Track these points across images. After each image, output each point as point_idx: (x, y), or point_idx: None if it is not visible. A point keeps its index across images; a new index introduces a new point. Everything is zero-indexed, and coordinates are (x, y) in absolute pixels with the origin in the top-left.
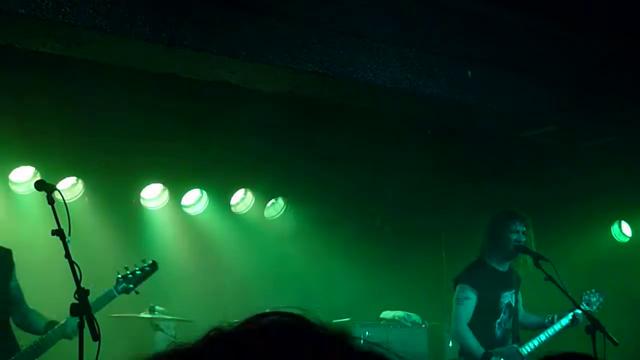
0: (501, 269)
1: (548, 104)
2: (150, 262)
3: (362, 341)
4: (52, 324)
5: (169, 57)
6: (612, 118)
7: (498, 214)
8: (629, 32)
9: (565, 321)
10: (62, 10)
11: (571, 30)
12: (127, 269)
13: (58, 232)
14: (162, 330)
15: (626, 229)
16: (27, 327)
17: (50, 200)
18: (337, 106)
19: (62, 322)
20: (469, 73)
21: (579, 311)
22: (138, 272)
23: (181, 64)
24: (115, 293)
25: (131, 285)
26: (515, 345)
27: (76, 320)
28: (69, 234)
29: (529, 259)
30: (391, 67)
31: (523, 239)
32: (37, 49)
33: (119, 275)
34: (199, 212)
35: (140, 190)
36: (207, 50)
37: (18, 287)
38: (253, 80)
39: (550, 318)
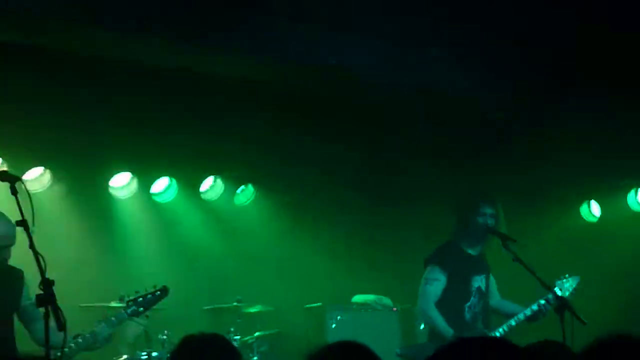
0: (472, 252)
1: (512, 88)
2: (162, 287)
3: (333, 325)
4: (75, 336)
5: (134, 44)
6: (580, 104)
7: (467, 197)
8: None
9: (535, 306)
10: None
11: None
12: (137, 292)
13: (22, 223)
14: (138, 322)
15: (595, 209)
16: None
17: (14, 191)
18: (304, 91)
19: (93, 330)
20: (433, 50)
21: (549, 296)
22: (149, 297)
23: (149, 52)
24: (125, 315)
25: (141, 309)
26: (485, 330)
27: (107, 329)
28: (33, 224)
29: (498, 241)
30: (362, 54)
31: (491, 221)
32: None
33: (129, 298)
34: (168, 200)
35: (109, 179)
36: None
37: (33, 304)
38: (223, 67)
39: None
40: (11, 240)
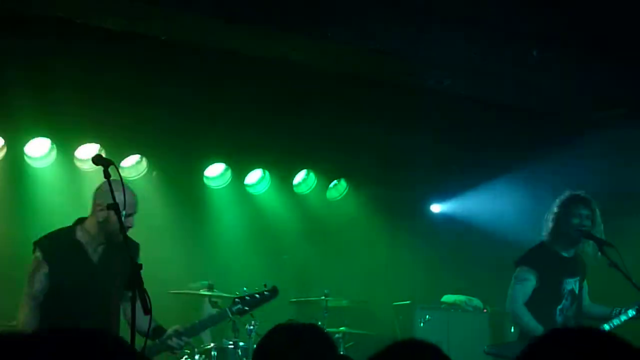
0: (565, 254)
1: (621, 83)
2: (271, 287)
3: (422, 324)
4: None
5: (229, 32)
6: None
7: (562, 197)
8: None
9: (631, 312)
10: None
11: None
12: (245, 290)
13: (113, 206)
14: (219, 307)
15: None
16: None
17: (107, 175)
18: (403, 87)
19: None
20: (534, 52)
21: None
22: (257, 296)
23: (245, 41)
24: (229, 314)
25: (247, 308)
26: None
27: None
28: (124, 208)
29: (593, 245)
30: (455, 46)
31: (587, 223)
32: (99, 24)
33: (237, 296)
34: (261, 192)
35: (204, 169)
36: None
37: None
38: (314, 58)
39: (617, 311)
40: (134, 208)
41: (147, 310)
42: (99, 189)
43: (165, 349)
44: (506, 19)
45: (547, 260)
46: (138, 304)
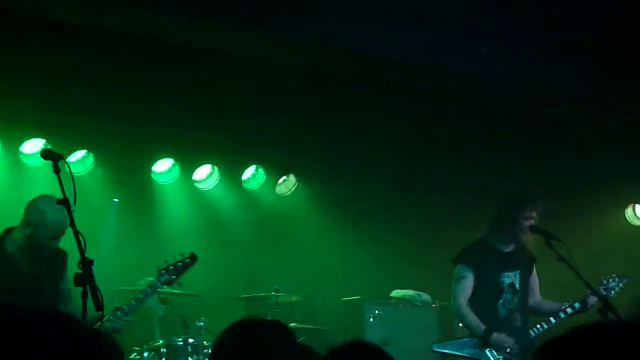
0: (504, 249)
1: (573, 79)
2: (190, 254)
3: (371, 319)
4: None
5: (188, 29)
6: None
7: (512, 198)
8: None
9: (576, 305)
10: None
11: None
12: (166, 261)
13: (63, 202)
14: (169, 304)
15: None
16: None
17: (56, 170)
18: (358, 83)
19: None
20: (483, 50)
21: (579, 302)
22: (179, 264)
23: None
24: (159, 284)
25: (173, 277)
26: (524, 327)
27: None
28: (74, 204)
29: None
30: (417, 43)
31: (533, 218)
32: (52, 18)
33: (160, 267)
34: (209, 188)
35: (152, 165)
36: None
37: (65, 290)
38: (266, 53)
39: (566, 305)
40: (64, 230)
41: (100, 307)
42: (30, 204)
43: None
44: (460, 14)
45: (483, 256)
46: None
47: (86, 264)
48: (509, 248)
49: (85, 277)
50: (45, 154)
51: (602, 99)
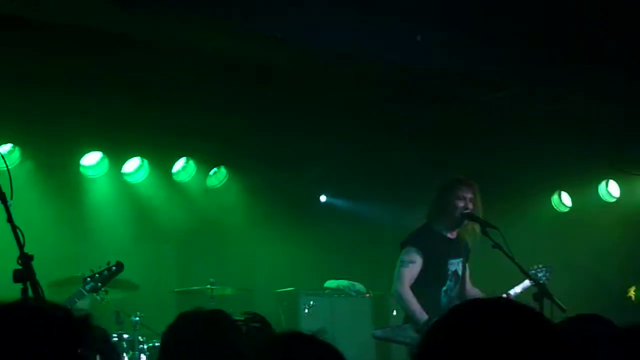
0: (449, 236)
1: (505, 65)
2: (116, 262)
3: (306, 310)
4: None
5: (121, 17)
6: (567, 81)
7: (445, 181)
8: None
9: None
10: None
11: None
12: (92, 270)
13: None
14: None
15: (566, 199)
16: None
17: None
18: (286, 72)
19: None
20: (418, 37)
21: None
22: (105, 273)
23: (132, 24)
24: (84, 292)
25: (99, 284)
26: None
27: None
28: (11, 198)
29: (477, 227)
30: (346, 28)
31: (470, 205)
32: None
33: (86, 276)
34: (139, 181)
35: (80, 158)
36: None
37: None
38: (203, 42)
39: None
40: None
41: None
42: None
43: None
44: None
45: (432, 241)
46: None
47: (26, 259)
48: (452, 234)
49: (26, 273)
50: None
51: (533, 87)
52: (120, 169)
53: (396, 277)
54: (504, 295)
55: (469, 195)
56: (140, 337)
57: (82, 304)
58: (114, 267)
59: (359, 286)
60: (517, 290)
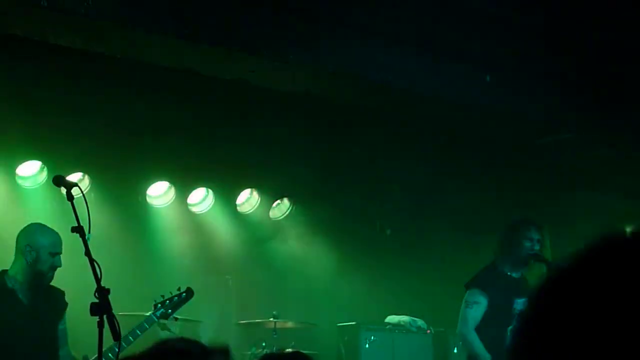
0: (514, 275)
1: (566, 110)
2: (186, 289)
3: (367, 345)
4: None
5: (187, 53)
6: (624, 125)
7: (514, 221)
8: None
9: None
10: (85, 4)
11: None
12: (163, 296)
13: (78, 229)
14: (168, 329)
15: None
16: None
17: (70, 197)
18: (351, 107)
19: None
20: (487, 77)
21: None
22: (175, 299)
23: (199, 61)
24: (155, 319)
25: (170, 311)
26: None
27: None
28: (89, 232)
29: (544, 269)
30: (409, 69)
31: (537, 247)
32: (55, 42)
33: (157, 302)
34: (204, 211)
35: (147, 188)
36: (226, 46)
37: (65, 330)
38: (270, 79)
39: None
40: (61, 247)
41: (117, 337)
42: (24, 231)
43: None
44: (458, 41)
45: (497, 282)
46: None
47: (103, 292)
48: (519, 274)
49: (103, 306)
50: (57, 181)
51: (595, 129)
52: (186, 199)
53: (461, 318)
54: None
55: (536, 237)
56: None
57: (171, 331)
58: (184, 294)
59: (420, 322)
60: None
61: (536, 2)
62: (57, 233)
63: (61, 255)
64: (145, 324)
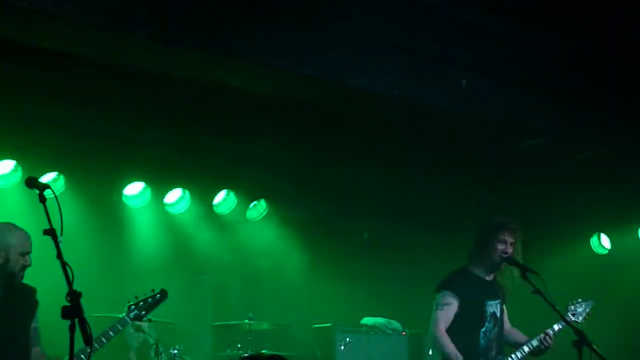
0: (486, 278)
1: (543, 115)
2: (160, 290)
3: (342, 347)
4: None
5: (164, 56)
6: (606, 130)
7: (487, 223)
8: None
9: (535, 342)
10: (65, 6)
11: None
12: (136, 297)
13: (50, 232)
14: (142, 331)
15: (605, 241)
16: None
17: (42, 199)
18: (329, 109)
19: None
20: (463, 82)
21: (551, 330)
22: (149, 300)
23: (176, 64)
24: (128, 320)
25: (143, 312)
26: (499, 357)
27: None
28: (61, 234)
29: (516, 271)
30: (387, 73)
31: (510, 250)
32: (37, 44)
33: (130, 303)
34: (180, 212)
35: (123, 188)
36: (206, 50)
37: (37, 329)
38: (247, 82)
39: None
40: (30, 247)
41: (89, 341)
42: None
43: None
44: (437, 47)
45: (469, 284)
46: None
47: (74, 296)
48: (490, 277)
49: (74, 310)
50: (29, 182)
51: (570, 134)
52: (162, 200)
53: (432, 321)
54: (543, 334)
55: (510, 240)
56: None
57: (145, 332)
58: (158, 295)
59: (396, 324)
60: (555, 327)
61: (516, 7)
62: (25, 232)
63: (30, 255)
64: (118, 325)
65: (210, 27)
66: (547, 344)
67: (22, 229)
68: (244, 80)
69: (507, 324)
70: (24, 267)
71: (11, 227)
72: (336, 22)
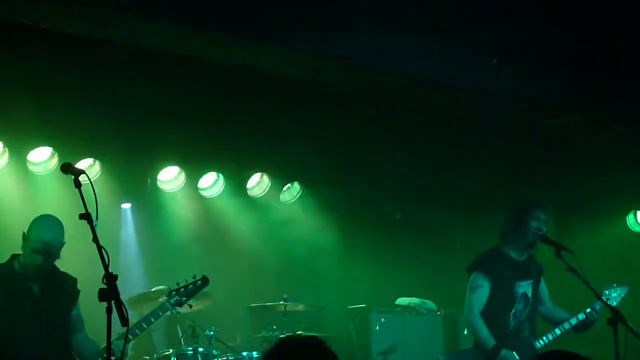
0: (518, 258)
1: (576, 92)
2: (201, 276)
3: (377, 327)
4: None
5: (193, 39)
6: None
7: (520, 201)
8: None
9: (581, 315)
10: None
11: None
12: (178, 283)
13: (86, 216)
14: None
15: None
16: (82, 356)
17: (78, 184)
18: (358, 92)
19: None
20: (494, 60)
21: (595, 305)
22: (190, 287)
23: (206, 47)
24: (169, 305)
25: (184, 299)
26: (530, 338)
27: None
28: (96, 218)
29: (550, 250)
30: (415, 54)
31: (544, 227)
32: (62, 30)
33: (172, 289)
34: (214, 195)
35: (157, 173)
36: (232, 33)
37: (79, 315)
38: (277, 65)
39: (572, 316)
40: (41, 246)
41: (125, 322)
42: (30, 229)
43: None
44: (467, 27)
45: (498, 264)
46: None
47: (110, 279)
48: (523, 256)
49: (110, 292)
50: (65, 168)
51: (605, 109)
52: (196, 184)
53: (466, 304)
54: (589, 309)
55: (543, 217)
56: (214, 351)
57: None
58: (199, 282)
59: (430, 304)
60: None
61: None
62: (49, 232)
63: (42, 256)
64: (158, 311)
65: (236, 10)
66: (593, 318)
67: (48, 228)
68: (270, 62)
69: (548, 303)
70: (35, 265)
71: (41, 221)
72: (368, 3)
